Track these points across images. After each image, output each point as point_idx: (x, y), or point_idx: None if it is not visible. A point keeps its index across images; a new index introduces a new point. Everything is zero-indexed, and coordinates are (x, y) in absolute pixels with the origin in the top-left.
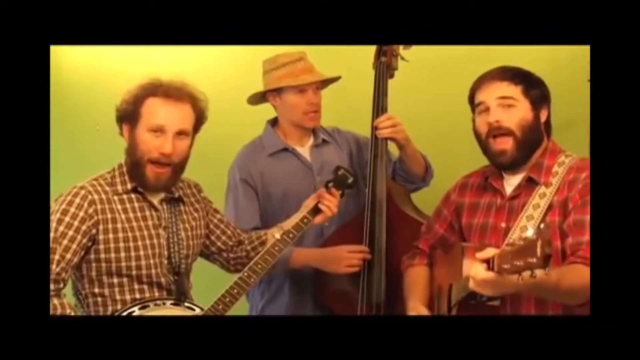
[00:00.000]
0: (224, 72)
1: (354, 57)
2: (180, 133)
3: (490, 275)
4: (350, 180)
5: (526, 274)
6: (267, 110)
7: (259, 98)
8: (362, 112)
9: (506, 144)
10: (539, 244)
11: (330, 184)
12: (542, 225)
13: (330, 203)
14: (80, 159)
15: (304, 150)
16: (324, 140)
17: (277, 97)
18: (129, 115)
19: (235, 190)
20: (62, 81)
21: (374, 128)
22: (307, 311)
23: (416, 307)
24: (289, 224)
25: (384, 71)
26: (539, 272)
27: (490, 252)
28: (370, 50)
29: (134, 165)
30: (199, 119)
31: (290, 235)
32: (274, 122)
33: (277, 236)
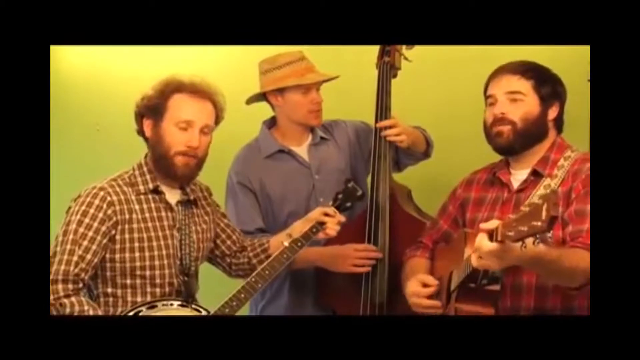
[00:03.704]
0: (224, 72)
1: (357, 56)
2: (205, 128)
3: (495, 245)
4: (359, 192)
5: (529, 241)
6: (264, 110)
7: (257, 97)
8: (366, 113)
9: (504, 128)
10: (544, 207)
11: (340, 196)
12: (548, 191)
13: (332, 224)
14: (80, 159)
15: (301, 149)
16: (322, 138)
17: (279, 97)
18: (152, 110)
19: (234, 195)
20: (62, 81)
21: (377, 131)
22: (308, 312)
23: (415, 277)
24: (297, 230)
25: (387, 71)
26: (542, 244)
27: (494, 223)
28: (373, 50)
29: (160, 159)
30: (217, 118)
31: (299, 244)
32: (270, 123)
33: (286, 244)
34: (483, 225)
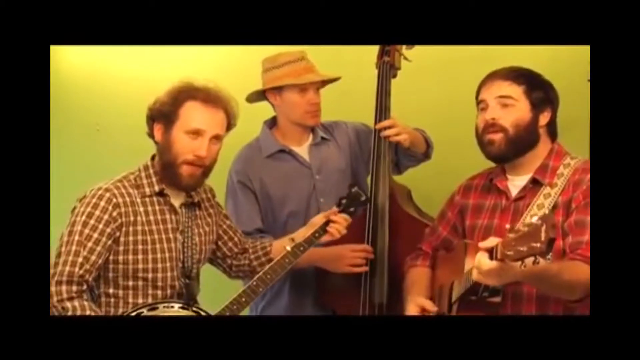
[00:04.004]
0: (224, 72)
1: (357, 56)
2: (215, 137)
3: (494, 263)
4: (363, 198)
5: (529, 261)
6: (266, 110)
7: (257, 96)
8: (365, 112)
9: (496, 136)
10: (543, 228)
11: (344, 201)
12: (547, 212)
13: (340, 226)
14: (80, 159)
15: (302, 149)
16: (322, 138)
17: (277, 96)
18: (164, 115)
19: (234, 194)
20: (62, 81)
21: (376, 131)
22: (308, 312)
23: (414, 299)
24: (300, 236)
25: (386, 71)
26: (541, 260)
27: (493, 241)
28: (373, 50)
29: (167, 166)
30: (229, 126)
31: (301, 249)
32: (271, 123)
33: (288, 248)
34: (482, 244)
